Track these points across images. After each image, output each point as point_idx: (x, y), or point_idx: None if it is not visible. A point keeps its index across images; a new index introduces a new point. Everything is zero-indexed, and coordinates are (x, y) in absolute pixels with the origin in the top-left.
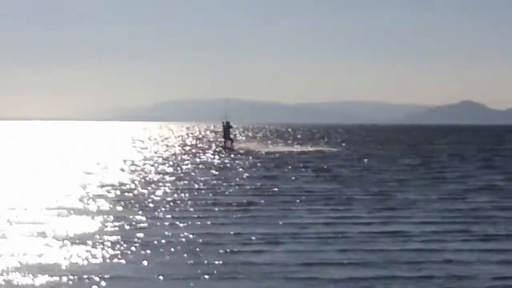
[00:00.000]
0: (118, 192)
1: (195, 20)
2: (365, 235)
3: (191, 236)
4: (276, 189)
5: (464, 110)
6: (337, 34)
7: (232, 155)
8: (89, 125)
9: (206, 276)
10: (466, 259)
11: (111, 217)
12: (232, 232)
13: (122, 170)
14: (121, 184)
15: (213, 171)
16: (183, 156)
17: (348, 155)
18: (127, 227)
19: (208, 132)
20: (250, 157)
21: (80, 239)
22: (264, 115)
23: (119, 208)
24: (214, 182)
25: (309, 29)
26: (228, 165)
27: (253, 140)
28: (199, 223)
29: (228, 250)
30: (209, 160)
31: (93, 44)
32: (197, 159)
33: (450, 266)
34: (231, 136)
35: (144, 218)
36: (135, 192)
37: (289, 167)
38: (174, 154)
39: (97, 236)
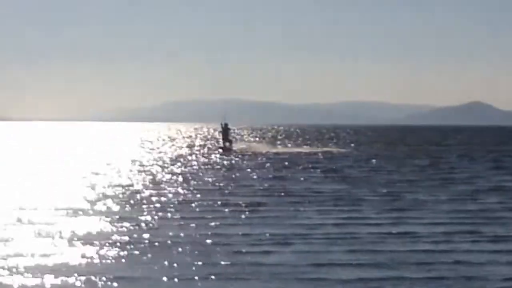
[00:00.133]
0: (127, 193)
1: (195, 20)
2: (374, 236)
3: (199, 236)
4: (285, 189)
5: (471, 110)
6: (338, 34)
7: (240, 156)
8: (90, 125)
9: (215, 277)
10: (476, 260)
11: (120, 218)
12: (240, 233)
13: (131, 170)
14: (129, 184)
15: (222, 172)
16: (191, 157)
17: (357, 155)
18: (136, 228)
19: (216, 134)
20: (259, 158)
21: (88, 240)
22: (264, 115)
23: (128, 208)
24: (223, 182)
25: (309, 29)
26: (237, 165)
27: (262, 141)
28: (207, 223)
29: (236, 251)
30: (218, 160)
31: (94, 44)
32: (205, 159)
33: (459, 267)
34: (230, 137)
35: (152, 219)
36: (144, 192)
37: (298, 167)
38: (182, 155)
39: (106, 237)
